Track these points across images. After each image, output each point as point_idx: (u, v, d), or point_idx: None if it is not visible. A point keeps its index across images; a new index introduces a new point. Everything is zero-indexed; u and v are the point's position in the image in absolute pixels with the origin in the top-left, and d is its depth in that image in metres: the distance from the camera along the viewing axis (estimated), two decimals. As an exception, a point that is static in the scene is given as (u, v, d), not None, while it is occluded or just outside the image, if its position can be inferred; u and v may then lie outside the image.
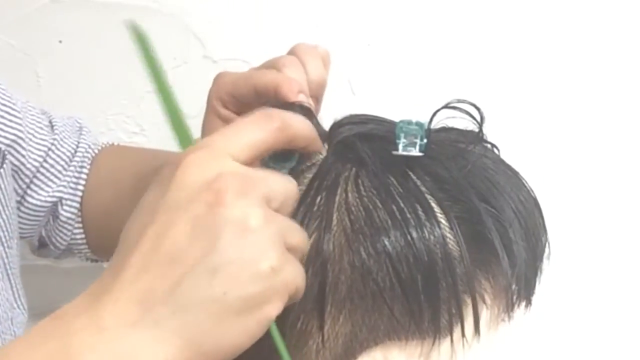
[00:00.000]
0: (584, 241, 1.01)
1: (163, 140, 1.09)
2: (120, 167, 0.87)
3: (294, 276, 0.48)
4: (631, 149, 1.01)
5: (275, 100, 0.63)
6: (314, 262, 0.53)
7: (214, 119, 0.70)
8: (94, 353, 0.44)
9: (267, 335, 0.52)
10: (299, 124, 0.53)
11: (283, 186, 0.50)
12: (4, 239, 0.76)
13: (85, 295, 0.47)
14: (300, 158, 0.56)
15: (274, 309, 0.47)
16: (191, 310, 0.45)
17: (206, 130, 0.70)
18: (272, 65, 0.67)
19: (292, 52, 0.68)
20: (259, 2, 1.04)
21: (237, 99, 0.68)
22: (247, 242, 0.46)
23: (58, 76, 1.10)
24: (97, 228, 0.88)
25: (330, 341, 0.54)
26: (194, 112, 1.06)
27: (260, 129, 0.50)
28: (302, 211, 0.53)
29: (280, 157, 0.55)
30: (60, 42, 1.09)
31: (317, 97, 0.68)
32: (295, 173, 0.56)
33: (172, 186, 0.47)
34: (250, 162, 0.49)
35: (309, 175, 0.56)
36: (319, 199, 0.54)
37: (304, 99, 0.62)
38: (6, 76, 1.03)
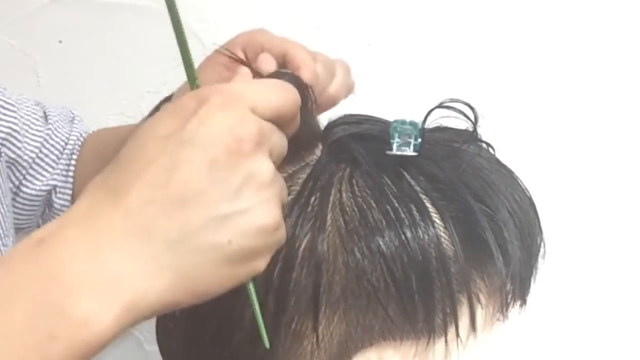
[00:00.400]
0: (579, 240, 1.01)
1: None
2: (104, 146, 0.87)
3: (285, 235, 0.49)
4: (626, 149, 1.00)
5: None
6: (308, 262, 0.52)
7: (213, 65, 0.70)
8: (85, 283, 0.43)
9: (266, 332, 0.52)
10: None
11: (282, 143, 0.50)
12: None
13: (74, 217, 0.45)
14: (296, 150, 0.56)
15: (264, 263, 0.48)
16: (192, 252, 0.44)
17: (203, 70, 0.71)
18: (311, 53, 0.67)
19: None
20: (260, 2, 1.04)
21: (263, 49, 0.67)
22: (261, 197, 0.46)
23: (58, 76, 1.10)
24: None
25: (325, 342, 0.54)
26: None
27: (282, 94, 0.50)
28: (296, 212, 0.53)
29: None
30: (60, 42, 1.09)
31: (324, 109, 0.67)
32: (288, 175, 0.56)
33: (192, 121, 0.46)
34: None
35: (303, 176, 0.56)
36: (313, 199, 0.54)
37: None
38: (6, 76, 1.04)
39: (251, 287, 0.50)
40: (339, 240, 0.53)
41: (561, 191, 1.00)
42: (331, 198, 0.54)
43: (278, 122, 0.49)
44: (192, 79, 0.51)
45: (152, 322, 1.07)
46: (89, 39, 1.08)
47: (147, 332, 1.08)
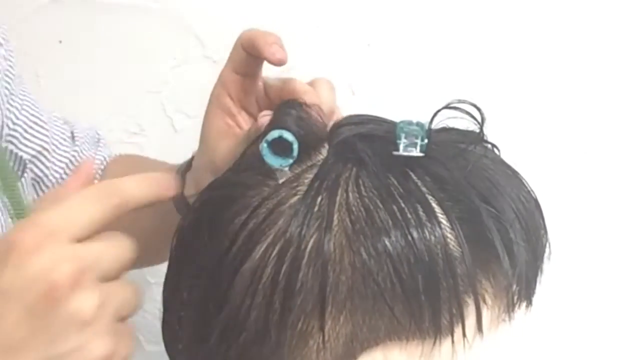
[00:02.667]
0: (585, 241, 1.02)
1: (163, 140, 1.09)
2: (125, 174, 0.87)
3: (126, 350, 0.49)
4: (631, 149, 1.01)
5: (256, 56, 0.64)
6: (315, 262, 0.52)
7: (215, 110, 0.69)
8: None
9: (268, 336, 0.52)
10: (138, 192, 0.53)
11: (117, 256, 0.50)
12: None
13: None
14: (301, 149, 0.56)
15: None
16: None
17: (207, 122, 0.70)
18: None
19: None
20: (260, 2, 1.05)
21: (237, 71, 0.68)
22: (84, 335, 0.47)
23: (58, 76, 1.10)
24: None
25: (331, 341, 0.54)
26: (193, 112, 1.07)
27: (99, 207, 0.50)
28: (303, 212, 0.53)
29: (278, 150, 0.55)
30: (60, 42, 1.09)
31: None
32: (294, 175, 0.56)
33: (6, 272, 0.46)
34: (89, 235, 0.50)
35: (310, 176, 0.56)
36: (319, 199, 0.54)
37: (278, 49, 0.63)
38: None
39: None
40: (346, 241, 0.53)
41: (566, 192, 1.00)
42: (338, 198, 0.54)
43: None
44: (18, 210, 0.52)
45: (153, 323, 1.07)
46: (89, 39, 1.08)
47: (148, 332, 1.08)
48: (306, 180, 0.55)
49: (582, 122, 1.00)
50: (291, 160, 0.55)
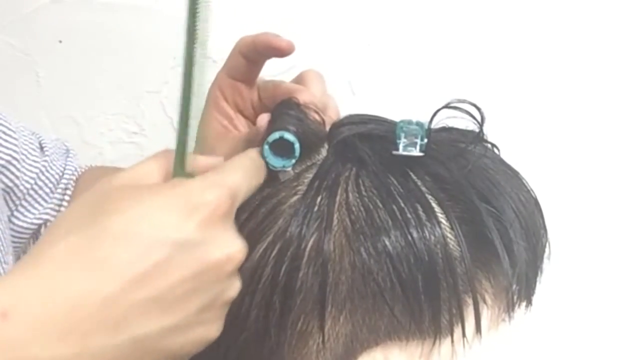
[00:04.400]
0: (584, 241, 1.01)
1: (163, 140, 1.09)
2: None
3: None
4: (631, 149, 1.00)
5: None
6: (315, 262, 0.52)
7: (212, 113, 0.70)
8: None
9: (268, 335, 0.52)
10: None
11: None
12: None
13: (38, 286, 0.44)
14: (301, 149, 0.56)
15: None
16: (148, 351, 0.47)
17: (204, 125, 0.70)
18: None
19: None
20: (260, 2, 1.04)
21: (234, 77, 0.68)
22: (221, 313, 0.51)
23: (58, 76, 1.10)
24: None
25: (331, 341, 0.54)
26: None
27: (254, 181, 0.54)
28: (303, 211, 0.53)
29: (280, 151, 0.55)
30: (60, 42, 1.09)
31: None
32: (294, 174, 0.56)
33: (190, 227, 0.48)
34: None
35: (309, 176, 0.56)
36: (319, 199, 0.54)
37: (282, 38, 0.64)
38: (6, 76, 1.04)
39: None
40: (346, 240, 0.53)
41: (566, 192, 1.00)
42: (337, 198, 0.54)
43: None
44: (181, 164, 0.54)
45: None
46: (89, 39, 1.08)
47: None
48: (306, 180, 0.55)
49: (582, 122, 1.00)
50: (293, 161, 0.55)
